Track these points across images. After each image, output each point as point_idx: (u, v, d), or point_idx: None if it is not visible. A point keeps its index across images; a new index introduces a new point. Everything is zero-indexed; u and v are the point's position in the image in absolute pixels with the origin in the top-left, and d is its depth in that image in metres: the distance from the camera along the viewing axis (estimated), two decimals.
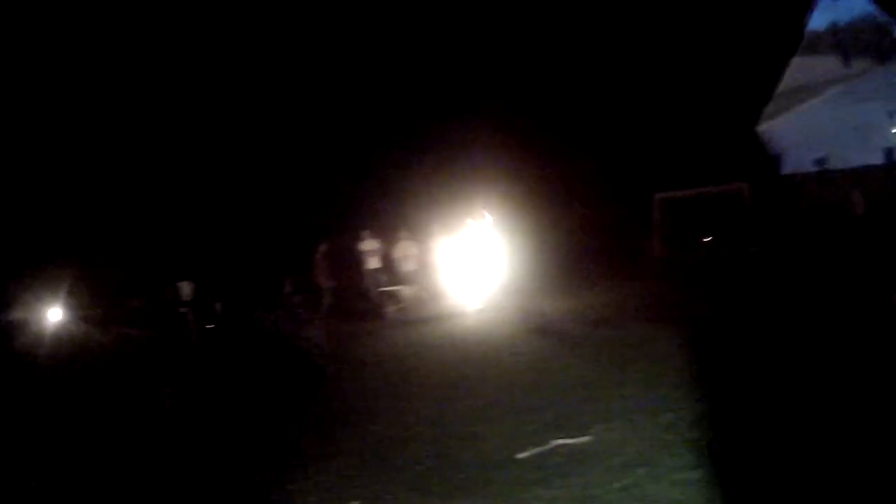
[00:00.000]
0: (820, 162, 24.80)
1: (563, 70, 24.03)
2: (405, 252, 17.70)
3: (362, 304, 17.75)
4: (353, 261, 18.10)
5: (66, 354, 13.90)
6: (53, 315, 16.05)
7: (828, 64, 26.13)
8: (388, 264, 17.85)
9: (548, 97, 23.64)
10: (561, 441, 6.48)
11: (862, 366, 7.38)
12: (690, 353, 8.96)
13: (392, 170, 21.98)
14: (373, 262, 17.89)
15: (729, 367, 8.27)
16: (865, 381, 6.90)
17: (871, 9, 26.24)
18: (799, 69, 26.24)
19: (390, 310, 16.59)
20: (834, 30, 26.60)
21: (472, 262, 16.04)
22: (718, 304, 12.35)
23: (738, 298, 12.64)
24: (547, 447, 6.40)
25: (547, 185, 21.65)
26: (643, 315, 12.13)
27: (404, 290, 17.25)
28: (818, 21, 26.69)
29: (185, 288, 17.17)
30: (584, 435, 6.55)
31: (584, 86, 23.77)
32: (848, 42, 26.22)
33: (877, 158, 24.16)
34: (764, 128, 26.39)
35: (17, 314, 15.90)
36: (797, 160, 25.46)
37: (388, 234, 18.16)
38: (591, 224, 21.83)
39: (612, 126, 23.40)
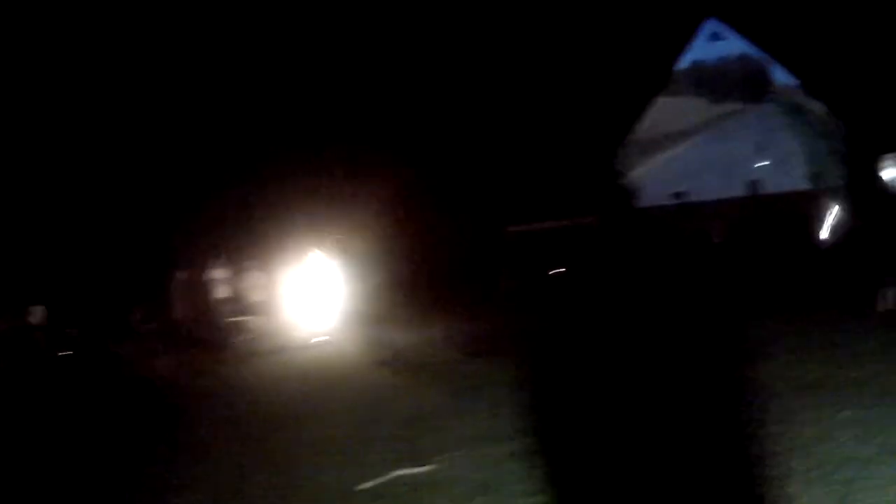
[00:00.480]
0: (678, 195, 25.27)
1: (413, 101, 23.95)
2: (253, 282, 17.41)
3: (212, 334, 17.31)
4: (205, 290, 17.66)
5: None
6: None
7: (696, 102, 26.61)
8: (237, 294, 17.50)
9: (397, 127, 23.43)
10: (404, 471, 6.41)
11: (705, 395, 7.60)
12: (535, 383, 9.10)
13: (240, 198, 21.60)
14: (222, 292, 17.49)
15: (573, 397, 8.41)
16: (708, 409, 7.11)
17: (741, 46, 26.97)
18: (666, 108, 26.64)
19: (239, 341, 16.26)
20: (703, 68, 27.11)
21: (318, 292, 15.92)
22: (564, 335, 12.62)
23: (584, 329, 12.96)
24: (389, 477, 6.32)
25: (396, 215, 21.74)
26: (489, 346, 12.10)
27: (252, 321, 16.97)
28: (688, 60, 27.26)
29: (38, 312, 16.34)
30: (427, 464, 6.50)
31: (435, 116, 23.72)
32: (717, 80, 26.82)
33: (740, 190, 24.93)
34: (624, 163, 26.70)
35: None
36: (657, 194, 25.57)
37: (237, 264, 17.82)
38: (441, 255, 21.65)
39: (463, 157, 23.49)
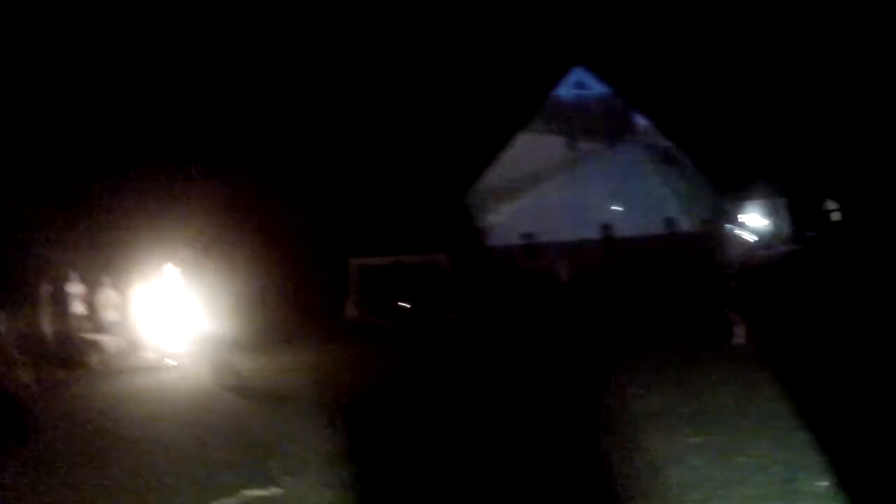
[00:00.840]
0: (528, 236, 26.39)
1: (270, 130, 23.94)
2: (107, 299, 17.40)
3: (67, 351, 16.78)
4: (63, 305, 17.63)
5: None
6: None
7: (553, 145, 27.62)
8: (92, 311, 17.51)
9: (254, 154, 23.41)
10: (251, 492, 6.55)
11: (560, 425, 7.98)
12: (378, 408, 9.63)
13: (98, 213, 21.34)
14: (78, 308, 17.51)
15: (415, 424, 8.74)
16: (564, 438, 7.49)
17: (604, 93, 28.21)
18: (523, 149, 27.57)
19: (92, 359, 16.29)
20: (563, 112, 28.20)
21: (171, 313, 15.87)
22: (405, 366, 13.33)
23: (425, 361, 13.72)
24: (237, 499, 6.46)
25: (248, 239, 21.94)
26: (330, 374, 12.85)
27: (106, 339, 16.94)
28: (549, 104, 28.26)
29: None
30: (273, 486, 6.68)
31: (289, 147, 23.84)
32: (576, 125, 27.91)
33: (593, 233, 26.21)
34: (477, 202, 27.54)
35: None
36: (508, 234, 26.56)
37: (93, 279, 17.79)
38: (290, 283, 21.96)
39: (316, 187, 23.59)
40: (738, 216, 26.06)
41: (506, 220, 27.10)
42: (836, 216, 29.95)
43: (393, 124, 25.45)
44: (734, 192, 26.11)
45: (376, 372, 13.02)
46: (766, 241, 25.61)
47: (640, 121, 27.53)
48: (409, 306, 20.72)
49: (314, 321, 19.78)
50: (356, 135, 24.94)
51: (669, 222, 26.70)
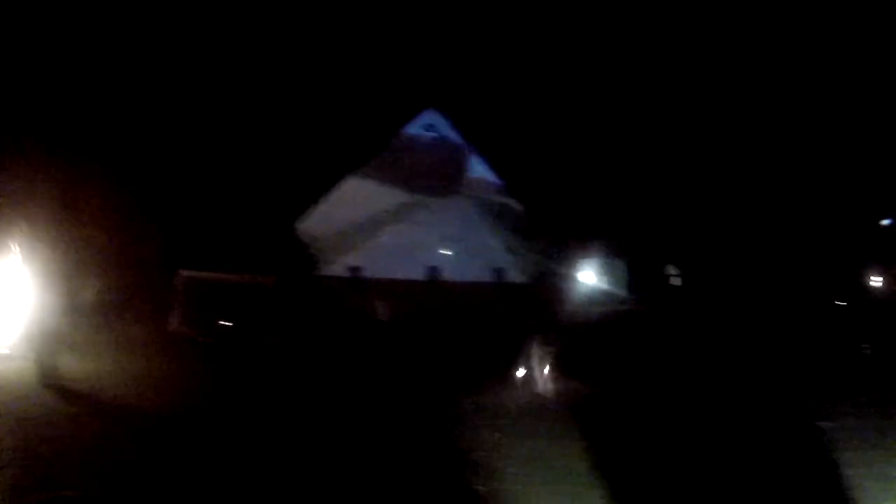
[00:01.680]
0: (355, 269, 26.15)
1: (110, 132, 22.99)
2: None
3: None
4: None
5: None
6: None
7: (392, 182, 27.37)
8: None
9: (90, 155, 22.19)
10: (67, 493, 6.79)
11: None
12: (182, 421, 9.93)
13: None
14: None
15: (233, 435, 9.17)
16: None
17: (451, 138, 28.33)
18: (361, 184, 27.28)
19: None
20: (404, 153, 28.07)
21: (4, 303, 15.01)
22: (216, 385, 13.18)
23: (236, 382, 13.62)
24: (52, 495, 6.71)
25: (78, 239, 20.65)
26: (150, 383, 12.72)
27: None
28: (393, 144, 28.11)
29: None
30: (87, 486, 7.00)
31: (129, 150, 22.96)
32: (419, 165, 27.73)
33: (420, 275, 26.07)
34: (309, 230, 27.10)
35: None
36: (336, 265, 26.34)
37: None
38: (119, 287, 21.19)
39: (151, 193, 22.89)
40: (574, 273, 26.93)
41: (335, 252, 26.77)
42: (675, 281, 31.10)
43: (237, 140, 24.99)
44: (571, 249, 26.76)
45: (175, 387, 12.86)
46: (598, 300, 26.53)
47: (483, 170, 27.83)
48: (231, 325, 19.88)
49: (139, 329, 19.26)
50: (198, 146, 24.32)
51: (499, 272, 26.81)
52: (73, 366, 13.47)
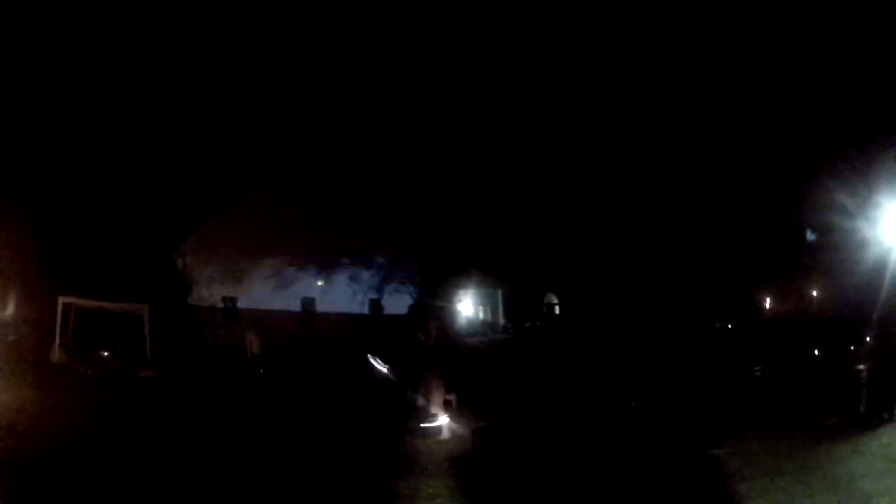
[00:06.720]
0: (230, 300, 26.55)
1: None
2: None
3: None
4: None
5: None
6: None
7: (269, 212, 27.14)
8: None
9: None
10: None
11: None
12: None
13: None
14: None
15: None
16: None
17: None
18: (235, 217, 27.40)
19: None
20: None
21: None
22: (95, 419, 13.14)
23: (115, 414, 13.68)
24: None
25: None
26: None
27: None
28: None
29: None
30: None
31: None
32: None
33: (295, 306, 26.47)
34: (184, 260, 27.31)
35: None
36: (210, 296, 26.78)
37: None
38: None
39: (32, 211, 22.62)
40: (453, 303, 27.49)
41: (210, 282, 27.01)
42: (557, 310, 31.86)
43: (117, 166, 24.98)
44: (450, 280, 27.15)
45: (57, 421, 12.77)
46: (479, 330, 27.06)
47: (356, 203, 27.92)
48: (108, 356, 19.70)
49: (23, 360, 18.95)
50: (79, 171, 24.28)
51: (375, 304, 27.16)
52: None
